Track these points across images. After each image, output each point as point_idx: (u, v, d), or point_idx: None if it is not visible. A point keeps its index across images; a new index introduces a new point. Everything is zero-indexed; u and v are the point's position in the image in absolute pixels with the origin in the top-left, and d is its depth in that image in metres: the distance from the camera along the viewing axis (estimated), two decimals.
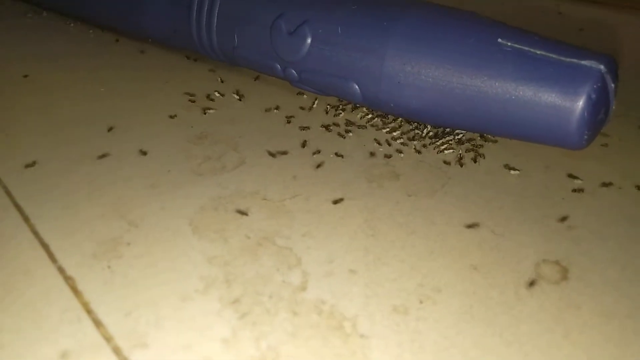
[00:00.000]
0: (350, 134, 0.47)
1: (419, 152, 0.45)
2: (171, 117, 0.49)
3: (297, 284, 0.31)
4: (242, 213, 0.36)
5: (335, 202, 0.38)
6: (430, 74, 0.42)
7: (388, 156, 0.44)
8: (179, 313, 0.29)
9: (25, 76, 0.56)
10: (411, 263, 0.32)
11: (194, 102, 0.52)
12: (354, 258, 0.33)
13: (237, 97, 0.53)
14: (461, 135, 0.46)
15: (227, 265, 0.32)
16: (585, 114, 0.37)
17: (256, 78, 0.58)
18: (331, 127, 0.48)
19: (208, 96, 0.53)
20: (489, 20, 0.42)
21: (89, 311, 0.29)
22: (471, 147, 0.45)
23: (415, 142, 0.46)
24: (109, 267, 0.32)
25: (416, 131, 0.47)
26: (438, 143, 0.45)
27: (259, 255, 0.33)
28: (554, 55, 0.38)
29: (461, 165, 0.43)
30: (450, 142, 0.46)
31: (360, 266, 0.32)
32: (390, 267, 0.32)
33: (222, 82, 0.56)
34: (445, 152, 0.45)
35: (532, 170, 0.42)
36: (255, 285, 0.30)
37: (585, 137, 0.38)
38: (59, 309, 0.29)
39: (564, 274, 0.32)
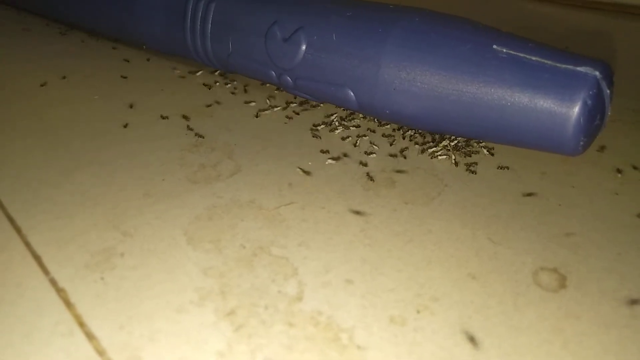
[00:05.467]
0: (346, 141, 0.47)
1: (415, 158, 0.44)
2: (166, 124, 0.48)
3: (293, 295, 0.30)
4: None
5: (330, 211, 0.38)
6: (425, 80, 0.42)
7: (384, 163, 0.43)
8: (173, 326, 0.28)
9: (18, 83, 0.56)
10: (408, 272, 0.32)
11: (188, 109, 0.51)
12: (350, 268, 0.32)
13: (232, 104, 0.53)
14: (456, 141, 0.46)
15: (223, 277, 0.31)
16: (581, 120, 0.37)
17: (251, 84, 0.57)
18: (326, 134, 0.48)
19: (203, 103, 0.53)
20: (485, 26, 0.42)
21: (81, 324, 0.28)
22: (467, 154, 0.45)
23: (410, 149, 0.46)
24: (102, 278, 0.31)
25: (412, 137, 0.47)
26: (433, 150, 0.45)
27: (254, 265, 0.32)
28: (549, 62, 0.38)
29: (456, 165, 0.43)
30: (446, 148, 0.46)
31: (357, 276, 0.32)
32: (387, 277, 0.32)
33: (217, 88, 0.56)
34: (440, 158, 0.45)
35: (528, 177, 0.42)
36: (250, 296, 0.30)
37: (582, 143, 0.38)
38: (50, 322, 0.28)
39: (562, 282, 0.32)
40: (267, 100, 0.53)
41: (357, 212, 0.37)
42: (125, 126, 0.48)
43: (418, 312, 0.29)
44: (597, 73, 0.36)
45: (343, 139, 0.47)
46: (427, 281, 0.31)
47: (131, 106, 0.52)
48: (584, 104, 0.36)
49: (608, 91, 0.37)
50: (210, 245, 0.34)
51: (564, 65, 0.38)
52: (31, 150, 0.44)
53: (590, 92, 0.36)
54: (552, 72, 0.38)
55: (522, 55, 0.39)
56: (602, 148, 0.46)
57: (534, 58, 0.39)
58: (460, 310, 0.29)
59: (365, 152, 0.45)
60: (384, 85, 0.44)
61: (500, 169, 0.43)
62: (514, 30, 0.41)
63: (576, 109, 0.37)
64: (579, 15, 0.88)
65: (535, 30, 0.78)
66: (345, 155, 0.44)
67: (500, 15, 0.88)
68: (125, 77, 0.58)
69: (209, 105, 0.52)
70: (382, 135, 0.48)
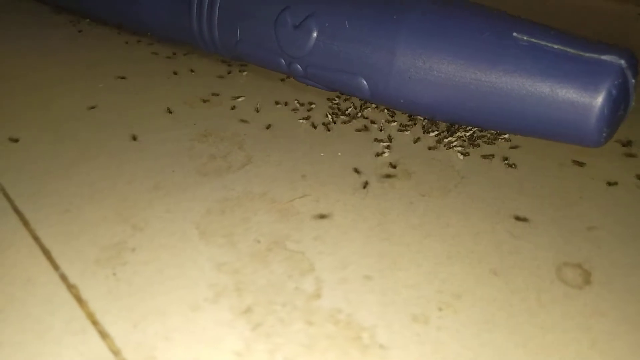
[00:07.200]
0: (359, 131, 0.45)
1: (430, 149, 0.43)
2: (173, 113, 0.47)
3: (311, 292, 0.29)
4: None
5: (346, 203, 0.37)
6: (442, 69, 0.41)
7: (399, 154, 0.42)
8: (188, 324, 0.27)
9: (23, 72, 0.55)
10: (428, 268, 0.31)
11: (196, 97, 0.50)
12: (368, 263, 0.31)
13: (240, 93, 0.52)
14: (472, 131, 0.45)
15: (237, 273, 0.30)
16: (605, 110, 0.36)
17: (260, 72, 0.56)
18: (339, 125, 0.46)
19: (210, 92, 0.51)
20: (503, 13, 0.41)
21: (94, 322, 0.27)
22: (483, 144, 0.44)
23: (425, 139, 0.44)
24: (114, 274, 0.30)
25: (426, 128, 0.46)
26: (448, 140, 0.44)
27: (269, 261, 0.31)
28: (572, 50, 0.37)
29: (480, 156, 0.42)
30: (461, 139, 0.44)
31: (376, 272, 0.31)
32: (407, 272, 0.31)
33: (224, 77, 0.55)
34: (456, 148, 0.43)
35: (546, 169, 0.41)
36: (267, 293, 0.29)
37: (604, 134, 0.37)
38: (62, 319, 0.28)
39: (587, 278, 0.31)
40: (278, 90, 0.52)
41: (373, 205, 0.36)
42: (131, 115, 0.47)
43: (440, 309, 0.28)
44: (622, 62, 0.35)
45: (356, 129, 0.46)
46: (448, 277, 0.30)
47: (137, 94, 0.50)
48: (609, 94, 0.35)
49: (633, 81, 0.36)
50: (223, 239, 0.33)
51: (587, 54, 0.36)
52: (37, 141, 0.43)
53: (616, 82, 0.35)
54: (575, 60, 0.36)
55: (543, 43, 0.38)
56: (621, 139, 0.45)
57: (555, 46, 0.37)
58: (483, 307, 0.28)
59: (379, 142, 0.44)
60: (398, 74, 0.43)
61: (511, 165, 0.42)
62: (533, 17, 0.40)
63: (600, 99, 0.35)
64: (602, 2, 0.86)
65: (556, 17, 0.77)
66: (358, 145, 0.43)
67: (518, 1, 0.87)
68: (131, 65, 0.57)
69: (216, 94, 0.51)
70: (397, 125, 0.47)
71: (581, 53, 0.36)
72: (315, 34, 0.46)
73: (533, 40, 0.38)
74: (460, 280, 0.30)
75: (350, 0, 0.45)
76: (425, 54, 0.41)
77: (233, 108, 0.49)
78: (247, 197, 0.37)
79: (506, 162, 0.42)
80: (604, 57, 0.36)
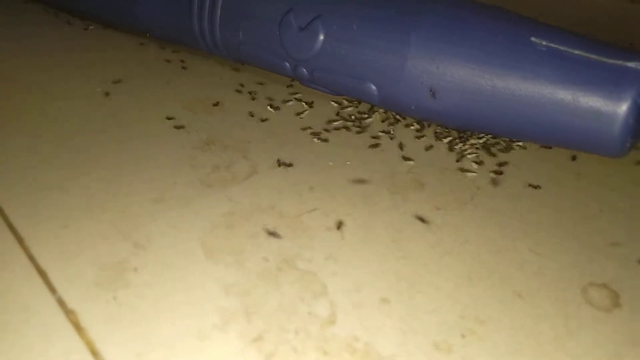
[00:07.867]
0: (367, 139, 0.44)
1: (443, 157, 0.41)
2: (173, 119, 0.45)
3: (325, 317, 0.28)
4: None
5: (357, 218, 0.35)
6: (456, 74, 0.39)
7: (410, 163, 0.41)
8: (195, 354, 0.26)
9: (22, 73, 0.52)
10: (449, 290, 0.29)
11: (198, 102, 0.48)
12: (384, 285, 0.30)
13: (243, 98, 0.50)
14: (485, 139, 0.43)
15: (246, 295, 0.29)
16: (630, 120, 0.34)
17: (264, 76, 0.54)
18: (347, 132, 0.45)
19: (212, 96, 0.49)
20: (520, 16, 0.39)
21: (94, 352, 0.26)
22: (497, 152, 0.42)
23: (437, 147, 0.43)
24: (114, 298, 0.29)
25: (438, 135, 0.44)
26: (461, 148, 0.42)
27: (280, 282, 0.30)
28: (594, 56, 0.35)
29: (497, 174, 0.40)
30: (474, 147, 0.43)
31: (393, 295, 0.29)
32: (426, 295, 0.29)
33: (226, 80, 0.53)
34: (469, 157, 0.42)
35: (564, 179, 0.39)
36: (278, 318, 0.27)
37: (628, 144, 0.35)
38: (59, 349, 0.26)
39: (615, 300, 0.29)
40: (283, 94, 0.50)
41: (387, 220, 0.35)
42: (129, 122, 0.45)
43: (463, 336, 0.27)
44: None
45: (365, 137, 0.44)
46: (470, 300, 0.29)
47: (136, 100, 0.48)
48: (634, 103, 0.34)
49: None
50: (231, 258, 0.31)
51: (610, 60, 0.35)
52: (33, 151, 0.41)
53: None
54: (597, 67, 0.35)
55: (563, 48, 0.36)
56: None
57: (576, 52, 0.36)
58: (509, 334, 0.27)
59: (389, 150, 0.42)
60: (410, 79, 0.41)
61: (536, 186, 0.40)
62: (551, 21, 0.38)
63: (624, 108, 0.34)
64: (624, 5, 0.84)
65: (570, 19, 0.75)
66: (368, 155, 0.41)
67: (535, 5, 0.85)
68: (129, 68, 0.55)
69: (218, 99, 0.49)
70: (408, 132, 0.45)
71: (604, 59, 0.35)
72: (322, 37, 0.44)
73: (552, 45, 0.36)
74: (483, 304, 0.29)
75: (359, 1, 0.43)
76: (438, 59, 0.39)
77: (236, 114, 0.47)
78: (254, 211, 0.35)
79: (531, 185, 0.40)
80: (628, 64, 0.34)
